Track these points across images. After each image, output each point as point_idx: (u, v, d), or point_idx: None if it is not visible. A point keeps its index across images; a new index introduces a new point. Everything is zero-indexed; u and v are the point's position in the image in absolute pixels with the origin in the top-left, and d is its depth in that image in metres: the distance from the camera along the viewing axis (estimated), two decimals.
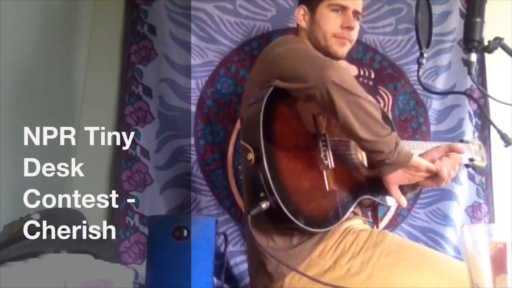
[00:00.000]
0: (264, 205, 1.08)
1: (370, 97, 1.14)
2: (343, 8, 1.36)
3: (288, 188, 1.11)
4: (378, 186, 1.28)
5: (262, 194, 1.09)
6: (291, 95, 1.19)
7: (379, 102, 1.86)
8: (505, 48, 1.05)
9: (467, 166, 1.61)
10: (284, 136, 1.16)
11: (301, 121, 1.22)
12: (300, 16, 1.44)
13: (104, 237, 0.99)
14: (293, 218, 1.08)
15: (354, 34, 1.39)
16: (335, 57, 1.39)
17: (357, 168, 1.26)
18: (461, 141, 1.65)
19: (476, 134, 1.92)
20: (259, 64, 1.36)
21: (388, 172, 1.14)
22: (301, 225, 1.10)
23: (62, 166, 1.57)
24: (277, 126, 1.16)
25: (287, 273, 1.16)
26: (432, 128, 1.88)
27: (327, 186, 1.16)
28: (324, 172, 1.17)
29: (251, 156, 1.13)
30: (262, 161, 1.10)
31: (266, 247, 1.17)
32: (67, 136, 1.61)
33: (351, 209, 1.20)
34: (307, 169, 1.17)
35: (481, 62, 1.92)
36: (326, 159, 1.18)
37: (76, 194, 1.64)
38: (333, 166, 1.18)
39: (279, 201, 1.08)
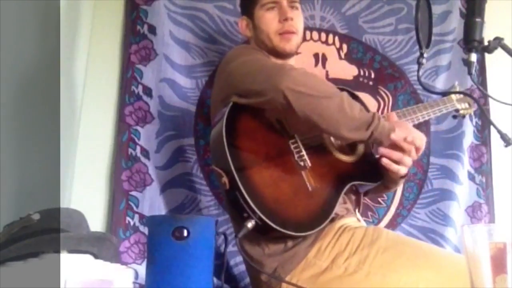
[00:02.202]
0: (250, 224, 1.08)
1: (330, 90, 1.15)
2: (275, 3, 1.36)
3: (269, 200, 1.11)
4: (362, 169, 1.28)
5: (245, 214, 1.10)
6: (250, 107, 1.19)
7: (379, 102, 1.87)
8: (505, 48, 1.05)
9: (454, 117, 1.66)
10: (253, 149, 1.16)
11: (266, 130, 1.21)
12: (244, 27, 1.45)
13: (104, 237, 0.98)
14: (281, 229, 1.09)
15: (297, 24, 1.37)
16: (286, 54, 1.38)
17: (337, 157, 1.26)
18: (444, 94, 1.66)
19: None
20: (218, 79, 1.36)
21: (388, 133, 1.16)
22: (291, 233, 1.11)
23: (62, 166, 1.58)
24: (243, 142, 1.15)
25: (285, 277, 1.16)
26: (432, 128, 1.88)
27: (309, 186, 1.16)
28: (303, 173, 1.17)
29: (224, 179, 1.13)
30: (236, 182, 1.10)
31: (261, 255, 1.17)
32: (67, 136, 1.61)
33: (339, 201, 1.20)
34: (285, 175, 1.16)
35: (481, 62, 1.92)
36: (301, 160, 1.18)
37: (76, 194, 1.65)
38: (309, 165, 1.18)
39: (263, 216, 1.08)
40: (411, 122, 1.41)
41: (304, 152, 1.19)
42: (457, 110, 1.60)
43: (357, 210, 1.35)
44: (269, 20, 1.36)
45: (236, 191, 1.10)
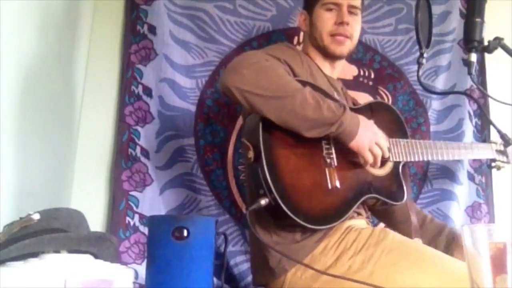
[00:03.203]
0: (263, 201, 1.09)
1: (284, 89, 1.14)
2: (336, 6, 1.37)
3: (288, 185, 1.12)
4: (386, 185, 1.29)
5: (261, 191, 1.11)
6: None
7: None
8: (505, 48, 1.05)
9: (489, 167, 1.62)
10: (285, 135, 1.17)
11: None
12: (302, 21, 1.46)
13: (104, 237, 0.98)
14: (291, 215, 1.10)
15: (353, 29, 1.38)
16: (335, 57, 1.41)
17: (364, 167, 1.26)
18: (484, 141, 1.65)
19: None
20: None
21: (349, 140, 1.17)
22: (300, 221, 1.11)
23: (62, 166, 1.58)
24: (278, 127, 1.16)
25: (289, 268, 1.18)
26: (432, 128, 1.88)
27: (329, 184, 1.17)
28: (327, 170, 1.18)
29: (251, 153, 1.15)
30: (261, 158, 1.11)
31: (269, 242, 1.18)
32: (67, 136, 1.61)
33: (355, 207, 1.20)
34: (309, 166, 1.17)
35: (481, 62, 1.92)
36: (329, 158, 1.19)
37: (76, 194, 1.65)
38: (335, 164, 1.19)
39: (278, 198, 1.08)
40: (441, 156, 1.41)
41: (333, 151, 1.20)
42: (493, 160, 1.57)
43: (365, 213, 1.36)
44: (326, 19, 1.37)
45: (259, 166, 1.11)
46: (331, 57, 1.41)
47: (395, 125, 1.41)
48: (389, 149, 1.29)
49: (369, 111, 1.36)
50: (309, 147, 1.18)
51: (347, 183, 1.20)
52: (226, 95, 1.18)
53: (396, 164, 1.34)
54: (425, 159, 1.39)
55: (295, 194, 1.12)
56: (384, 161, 1.29)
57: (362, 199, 1.22)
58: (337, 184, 1.18)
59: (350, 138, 1.17)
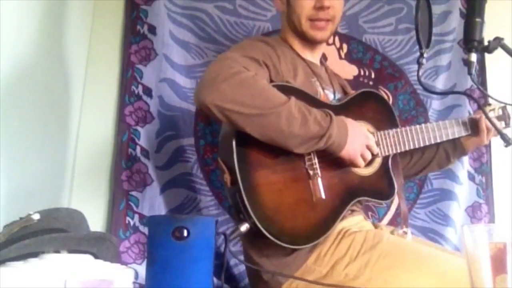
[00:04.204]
0: (244, 228, 1.06)
1: (267, 105, 1.05)
2: None
3: (269, 208, 1.08)
4: (374, 184, 1.25)
5: (241, 215, 1.07)
6: None
7: None
8: (505, 48, 1.05)
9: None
10: (262, 150, 1.10)
11: None
12: (277, 0, 1.37)
13: (104, 237, 0.98)
14: (275, 240, 1.06)
15: (334, 10, 1.28)
16: (315, 42, 1.32)
17: (351, 169, 1.22)
18: (479, 107, 1.58)
19: None
20: None
21: (339, 150, 1.12)
22: (285, 245, 1.08)
23: (62, 166, 1.58)
24: (254, 140, 1.08)
25: (283, 281, 1.15)
26: None
27: (313, 197, 1.13)
28: (310, 183, 1.13)
29: (226, 176, 1.10)
30: (238, 183, 1.06)
31: (260, 256, 1.16)
32: (67, 136, 1.61)
33: (343, 214, 1.17)
34: (291, 183, 1.12)
35: (481, 62, 1.92)
36: (311, 169, 1.14)
37: (76, 194, 1.65)
38: (319, 174, 1.14)
39: (257, 223, 1.05)
40: (434, 139, 1.35)
41: (316, 161, 1.14)
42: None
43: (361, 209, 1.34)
44: (304, 2, 1.26)
45: (236, 191, 1.07)
46: (311, 42, 1.32)
47: (384, 115, 1.34)
48: (377, 144, 1.23)
49: (358, 102, 1.30)
50: (290, 161, 1.12)
51: (333, 191, 1.16)
52: (204, 111, 1.09)
53: (385, 158, 1.29)
54: (417, 146, 1.32)
55: (278, 216, 1.08)
56: (372, 158, 1.24)
57: (350, 204, 1.18)
58: (323, 194, 1.13)
59: (340, 149, 1.12)
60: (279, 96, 1.08)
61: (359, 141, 1.16)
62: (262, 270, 1.12)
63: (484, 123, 1.36)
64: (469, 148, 1.44)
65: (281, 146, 1.08)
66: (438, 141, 1.36)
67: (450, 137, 1.38)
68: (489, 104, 1.47)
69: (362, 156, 1.18)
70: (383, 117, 1.33)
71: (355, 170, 1.22)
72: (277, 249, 1.13)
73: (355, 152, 1.15)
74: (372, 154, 1.21)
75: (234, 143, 1.09)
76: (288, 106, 1.07)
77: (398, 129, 1.31)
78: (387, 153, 1.28)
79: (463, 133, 1.39)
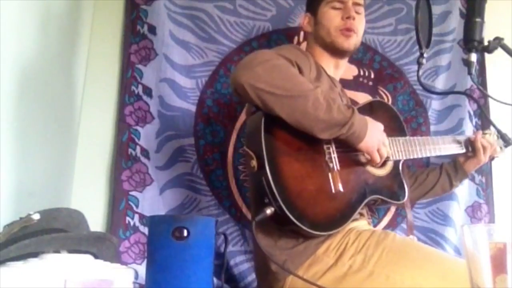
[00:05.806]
0: (269, 211, 1.10)
1: (297, 88, 1.14)
2: (341, 3, 1.40)
3: (292, 192, 1.12)
4: (387, 185, 1.29)
5: (266, 200, 1.11)
6: None
7: None
8: (505, 48, 1.05)
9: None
10: (287, 140, 1.17)
11: None
12: (306, 23, 1.48)
13: (104, 237, 0.98)
14: (298, 223, 1.10)
15: (358, 24, 1.41)
16: (342, 50, 1.42)
17: (366, 168, 1.28)
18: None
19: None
20: None
21: (358, 141, 1.18)
22: (306, 228, 1.11)
23: (62, 166, 1.58)
24: (280, 131, 1.16)
25: (294, 270, 1.17)
26: (432, 128, 1.88)
27: (332, 189, 1.17)
28: (330, 175, 1.18)
29: (253, 162, 1.15)
30: (265, 167, 1.11)
31: (272, 246, 1.18)
32: (67, 136, 1.61)
33: (359, 209, 1.22)
34: (312, 172, 1.17)
35: (481, 62, 1.92)
36: (331, 162, 1.19)
37: (76, 194, 1.65)
38: (338, 168, 1.19)
39: (283, 206, 1.09)
40: (439, 151, 1.48)
41: (335, 155, 1.20)
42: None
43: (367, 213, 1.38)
44: (332, 16, 1.40)
45: (262, 175, 1.11)
46: (338, 52, 1.43)
47: (394, 123, 1.43)
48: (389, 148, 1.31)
49: (368, 110, 1.36)
50: (312, 152, 1.19)
51: (350, 186, 1.21)
52: (237, 91, 1.17)
53: (396, 163, 1.36)
54: (424, 155, 1.43)
55: (300, 201, 1.13)
56: (384, 161, 1.30)
57: (366, 200, 1.23)
58: (340, 188, 1.18)
59: (360, 140, 1.18)
60: (308, 83, 1.17)
61: (377, 136, 1.22)
62: (275, 262, 1.15)
63: (480, 142, 1.49)
64: (470, 169, 1.56)
65: (306, 129, 1.14)
66: (443, 153, 1.48)
67: (455, 152, 1.50)
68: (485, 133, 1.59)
69: (379, 151, 1.23)
70: (393, 126, 1.41)
71: (370, 169, 1.28)
72: (290, 240, 1.19)
73: (373, 145, 1.21)
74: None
75: (262, 131, 1.15)
76: (316, 92, 1.14)
77: (407, 138, 1.40)
78: (397, 158, 1.35)
79: (462, 151, 1.54)
